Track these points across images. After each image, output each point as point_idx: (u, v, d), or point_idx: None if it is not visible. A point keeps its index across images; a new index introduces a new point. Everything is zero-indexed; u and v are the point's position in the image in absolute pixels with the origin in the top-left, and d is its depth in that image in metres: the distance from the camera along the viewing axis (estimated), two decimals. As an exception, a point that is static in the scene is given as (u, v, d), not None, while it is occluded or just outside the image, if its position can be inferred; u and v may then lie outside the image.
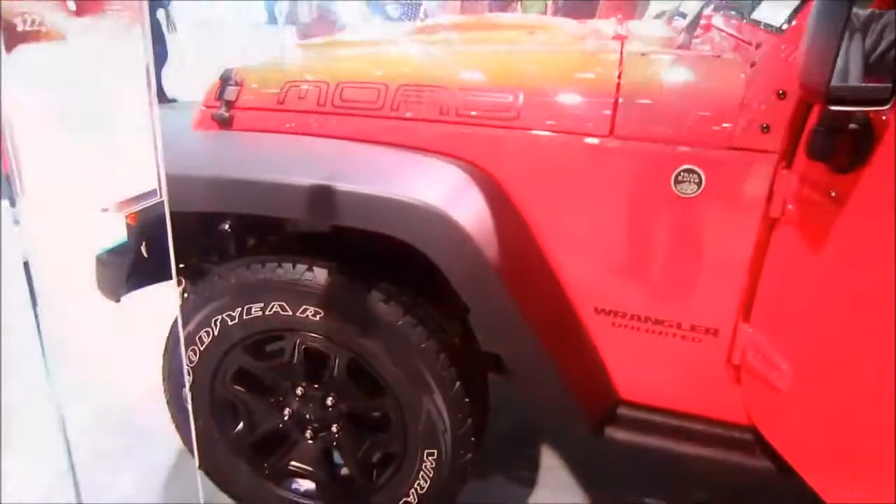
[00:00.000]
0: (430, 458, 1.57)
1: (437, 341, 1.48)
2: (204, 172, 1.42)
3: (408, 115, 1.50)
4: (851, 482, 1.21)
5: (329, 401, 1.61)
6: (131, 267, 1.62)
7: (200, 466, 1.72)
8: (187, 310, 1.57)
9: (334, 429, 1.65)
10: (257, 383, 1.68)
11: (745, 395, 1.43)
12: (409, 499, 1.63)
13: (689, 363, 1.47)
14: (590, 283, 1.47)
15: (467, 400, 1.53)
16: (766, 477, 1.47)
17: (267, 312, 1.53)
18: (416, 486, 1.61)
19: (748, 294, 1.38)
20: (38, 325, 0.99)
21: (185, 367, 1.54)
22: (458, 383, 1.50)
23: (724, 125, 1.29)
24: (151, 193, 1.11)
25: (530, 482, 2.04)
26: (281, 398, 1.66)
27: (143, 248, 1.65)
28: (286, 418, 1.67)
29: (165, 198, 1.11)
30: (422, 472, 1.59)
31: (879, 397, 1.11)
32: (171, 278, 1.75)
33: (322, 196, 1.35)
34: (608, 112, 1.35)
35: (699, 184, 1.31)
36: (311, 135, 1.58)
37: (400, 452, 1.61)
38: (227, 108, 1.65)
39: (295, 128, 1.60)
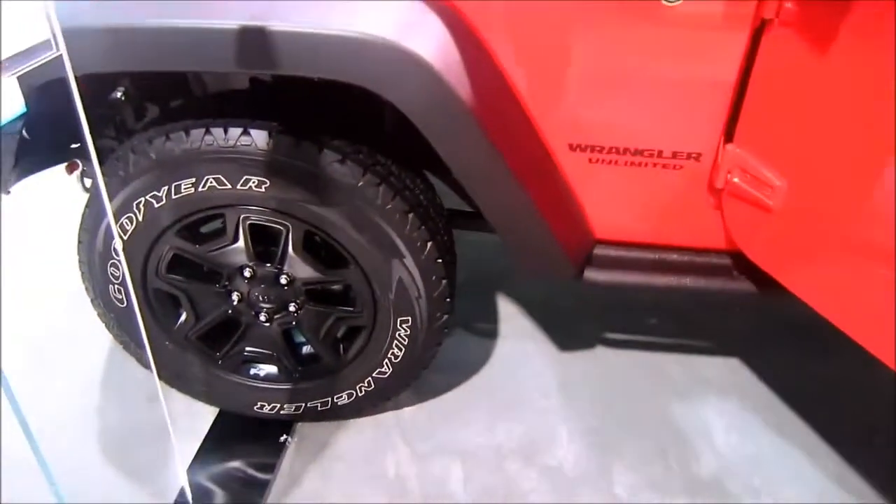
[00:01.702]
0: (404, 325, 1.46)
1: (403, 200, 1.33)
2: (96, 22, 1.13)
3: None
4: (847, 291, 1.21)
5: (283, 279, 1.45)
6: (19, 150, 1.32)
7: (146, 366, 1.56)
8: (98, 195, 1.32)
9: (292, 308, 1.50)
10: (197, 269, 1.48)
11: (728, 219, 1.38)
12: (382, 369, 1.54)
13: (668, 194, 1.40)
14: (565, 116, 1.32)
15: (440, 260, 1.41)
16: (743, 297, 1.48)
17: (200, 189, 1.31)
18: (389, 355, 1.52)
19: (733, 111, 1.29)
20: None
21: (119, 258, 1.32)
22: (429, 243, 1.38)
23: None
24: (44, 46, 0.85)
25: (491, 333, 2.00)
26: (227, 282, 1.48)
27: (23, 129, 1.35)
28: (235, 303, 1.50)
29: (64, 50, 0.86)
30: (395, 342, 1.49)
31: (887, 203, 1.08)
32: (72, 157, 1.48)
33: (253, 40, 1.11)
34: None
35: (687, -10, 1.16)
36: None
37: (369, 324, 1.49)
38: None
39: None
